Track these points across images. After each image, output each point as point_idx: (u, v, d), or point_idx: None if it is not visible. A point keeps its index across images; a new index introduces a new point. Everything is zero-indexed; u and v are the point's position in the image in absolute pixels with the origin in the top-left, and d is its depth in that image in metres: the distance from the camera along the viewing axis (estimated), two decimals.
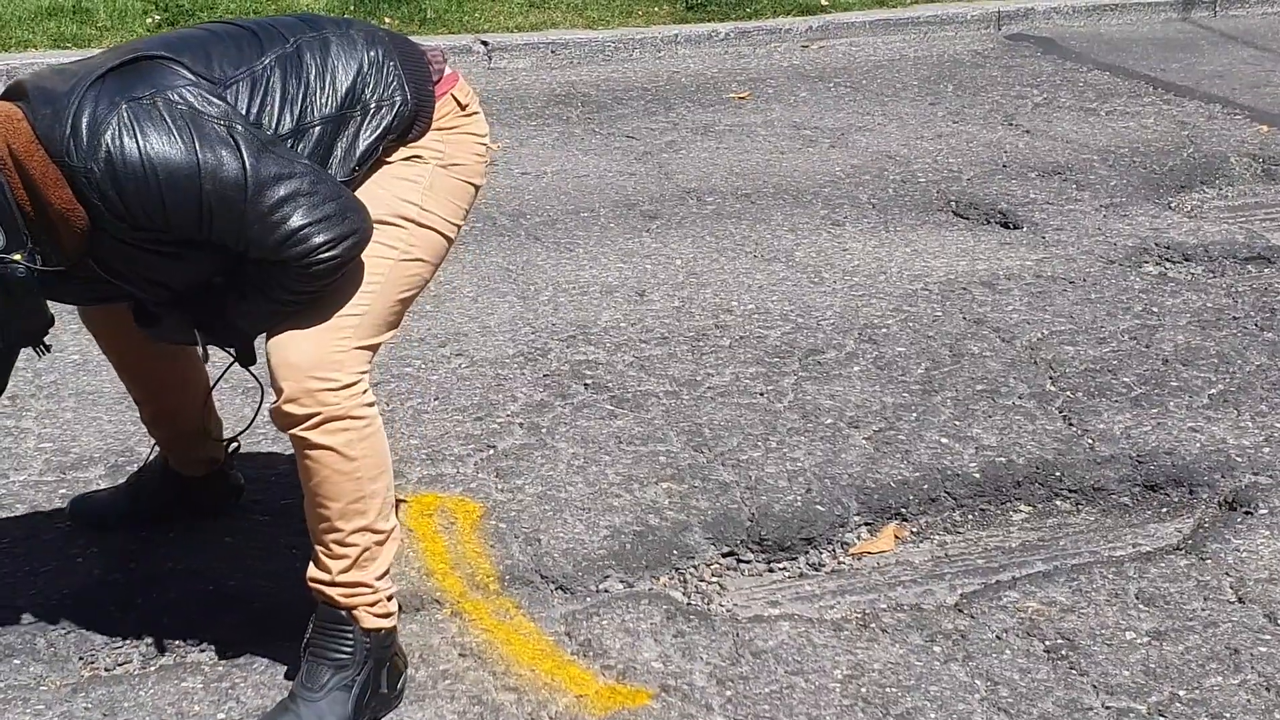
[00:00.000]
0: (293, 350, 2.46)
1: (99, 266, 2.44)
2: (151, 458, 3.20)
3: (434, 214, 2.62)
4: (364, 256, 2.52)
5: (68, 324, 4.18)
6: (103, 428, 3.61)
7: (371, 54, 2.56)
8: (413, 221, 2.59)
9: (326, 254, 2.38)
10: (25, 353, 3.96)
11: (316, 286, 2.43)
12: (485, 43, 7.59)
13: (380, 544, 2.60)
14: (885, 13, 8.39)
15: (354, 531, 2.56)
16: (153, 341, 2.80)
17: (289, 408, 2.46)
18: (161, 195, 2.30)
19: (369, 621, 2.60)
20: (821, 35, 8.13)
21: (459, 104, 2.69)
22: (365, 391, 2.53)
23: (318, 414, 2.46)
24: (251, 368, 2.71)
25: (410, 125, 2.60)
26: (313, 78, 2.49)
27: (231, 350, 2.69)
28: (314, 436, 2.47)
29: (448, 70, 2.71)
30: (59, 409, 3.71)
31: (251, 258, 2.41)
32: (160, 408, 3.07)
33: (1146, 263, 4.85)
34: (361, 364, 2.52)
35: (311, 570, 2.61)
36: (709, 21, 8.15)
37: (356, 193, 2.53)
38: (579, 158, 5.97)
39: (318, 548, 2.59)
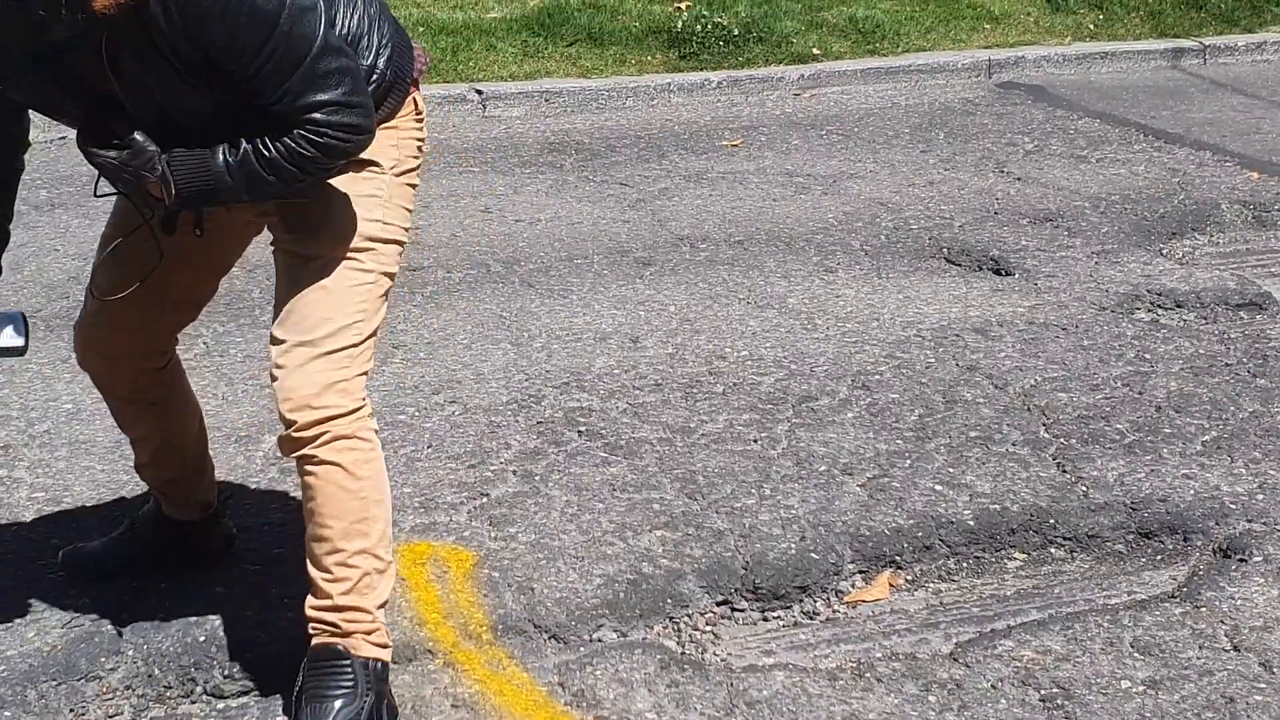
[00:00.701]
0: (302, 383, 2.54)
1: (106, 52, 2.36)
2: (145, 507, 3.20)
3: (394, 225, 2.69)
4: (347, 285, 2.59)
5: (61, 373, 4.18)
6: (95, 477, 3.60)
7: (382, 25, 2.62)
8: (379, 240, 2.65)
9: (342, 135, 2.43)
10: (20, 401, 3.97)
11: (308, 166, 2.44)
12: (479, 91, 7.62)
13: (380, 572, 2.65)
14: (876, 61, 8.44)
15: (357, 553, 2.61)
16: (157, 368, 2.90)
17: (300, 434, 2.55)
18: (235, 29, 2.31)
19: (366, 650, 2.63)
20: (813, 83, 8.17)
21: (417, 108, 2.75)
22: (370, 415, 2.63)
23: (326, 433, 2.55)
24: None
25: (379, 103, 2.63)
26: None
27: (159, 212, 2.61)
28: (322, 453, 2.56)
29: (423, 68, 2.79)
30: (52, 458, 3.70)
31: (272, 109, 2.40)
32: (163, 445, 3.05)
33: (1139, 309, 4.87)
34: (363, 389, 2.62)
35: (311, 600, 2.64)
36: (701, 70, 8.19)
37: (323, 202, 2.60)
38: (573, 205, 5.99)
39: (318, 574, 2.62)
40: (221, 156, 2.45)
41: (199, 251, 2.80)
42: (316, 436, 2.55)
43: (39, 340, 4.42)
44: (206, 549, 3.21)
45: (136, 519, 3.21)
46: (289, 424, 2.56)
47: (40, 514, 3.43)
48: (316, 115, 2.40)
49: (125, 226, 2.76)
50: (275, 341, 2.62)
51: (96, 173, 2.56)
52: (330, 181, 2.61)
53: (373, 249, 2.64)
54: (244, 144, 2.43)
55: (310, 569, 2.65)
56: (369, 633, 2.64)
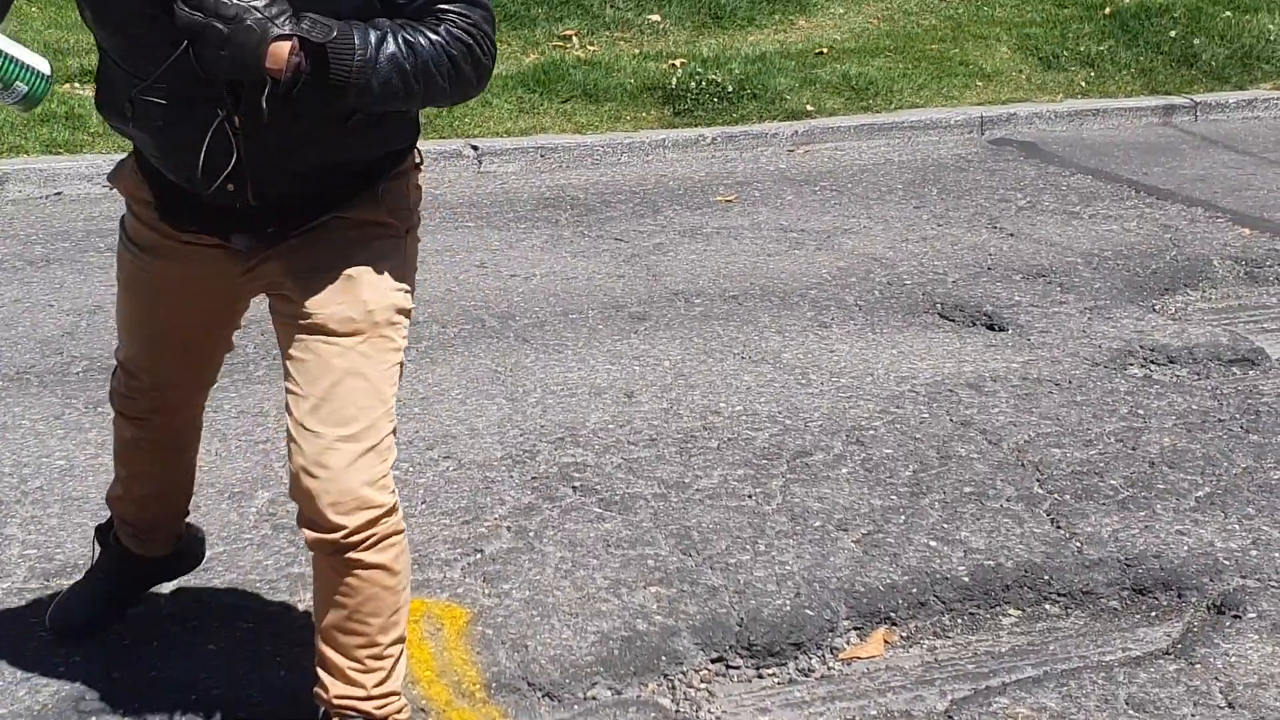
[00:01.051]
0: (352, 484, 2.42)
1: None
2: (102, 553, 3.13)
3: (412, 293, 2.60)
4: (384, 369, 2.49)
5: (54, 429, 4.18)
6: (87, 534, 3.58)
7: None
8: (404, 310, 2.55)
9: (485, 45, 2.31)
10: (12, 458, 3.96)
11: (445, 68, 2.28)
12: (475, 147, 7.66)
13: (404, 651, 2.65)
14: (869, 117, 8.49)
15: (391, 643, 2.59)
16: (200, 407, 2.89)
17: (349, 539, 2.44)
18: None
19: None
20: (807, 139, 8.22)
21: (418, 157, 2.65)
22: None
23: (374, 534, 2.46)
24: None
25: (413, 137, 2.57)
26: None
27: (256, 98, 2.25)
28: (368, 556, 2.47)
29: None
30: (44, 515, 3.69)
31: None
32: (168, 487, 3.01)
33: (1131, 365, 4.88)
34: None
35: (337, 687, 2.58)
36: (696, 126, 8.23)
37: (348, 270, 2.50)
38: (568, 260, 6.01)
39: (348, 663, 2.57)
40: (361, 30, 2.22)
41: (212, 302, 2.70)
42: (364, 540, 2.45)
43: (31, 396, 4.43)
44: (190, 562, 3.22)
45: (99, 569, 3.14)
46: (336, 528, 2.42)
47: (32, 571, 3.41)
48: (470, 15, 2.29)
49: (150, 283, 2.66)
50: (305, 429, 2.44)
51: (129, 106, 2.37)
52: (353, 246, 2.48)
53: (400, 323, 2.52)
54: (385, 24, 2.25)
55: (333, 654, 2.57)
56: (399, 710, 2.64)
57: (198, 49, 2.17)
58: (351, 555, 2.46)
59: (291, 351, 2.50)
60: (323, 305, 2.47)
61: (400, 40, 2.24)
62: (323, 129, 2.36)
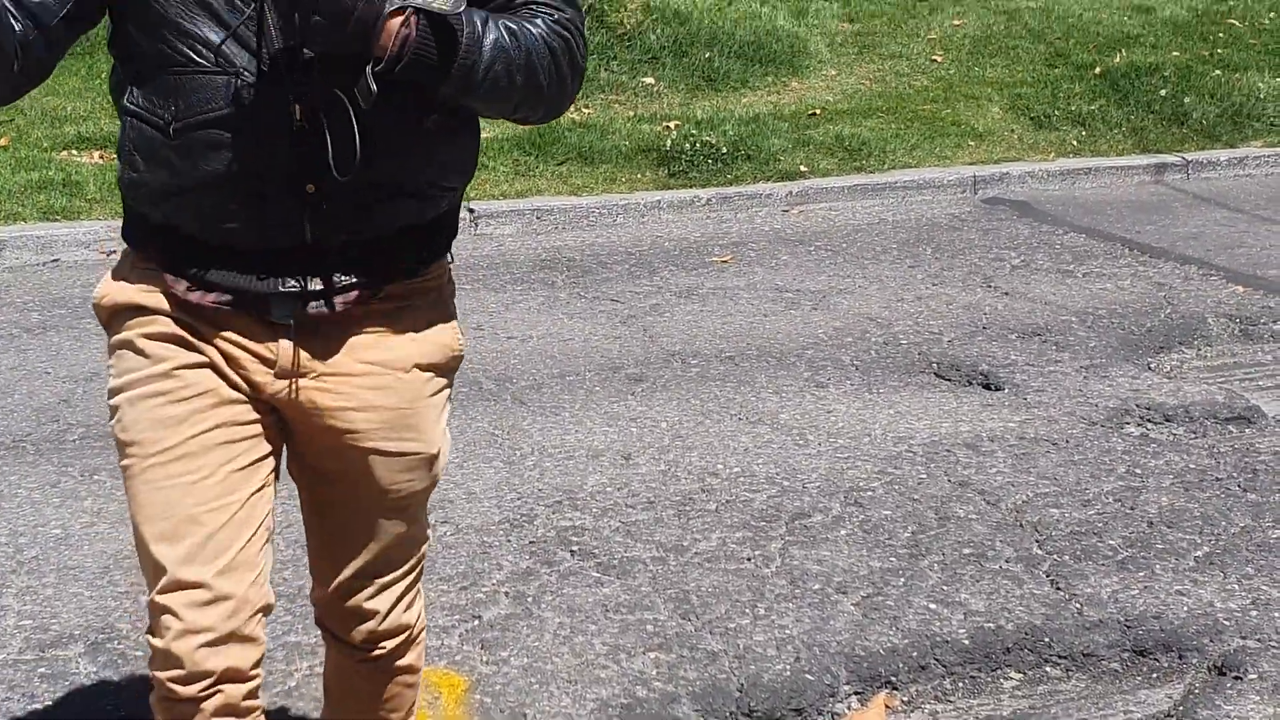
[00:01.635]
0: (396, 618, 2.40)
1: None
2: None
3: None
4: (427, 502, 2.37)
5: (49, 498, 4.17)
6: (84, 604, 3.58)
7: None
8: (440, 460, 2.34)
9: (582, 43, 2.11)
10: (8, 527, 3.95)
11: (547, 66, 2.05)
12: (471, 210, 7.69)
13: None
14: (863, 178, 8.53)
15: None
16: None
17: (382, 654, 2.43)
18: None
19: None
20: (801, 200, 8.26)
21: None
22: None
23: (403, 640, 2.46)
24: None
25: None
26: None
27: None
28: (399, 661, 2.48)
29: None
30: (39, 585, 3.68)
31: None
32: None
33: (1128, 424, 4.88)
34: None
35: None
36: (690, 187, 8.27)
37: (422, 447, 2.27)
38: (564, 322, 6.02)
39: None
40: (465, 10, 1.97)
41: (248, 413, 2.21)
42: (395, 649, 2.44)
43: (28, 464, 4.42)
44: None
45: None
46: (374, 650, 2.41)
47: (27, 642, 3.39)
48: (566, 11, 2.10)
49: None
50: (355, 581, 2.32)
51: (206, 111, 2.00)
52: (426, 398, 2.24)
53: (437, 479, 2.36)
54: (482, 12, 2.02)
55: None
56: None
57: (323, 7, 1.87)
58: (384, 662, 2.46)
59: (342, 520, 2.30)
60: (396, 484, 2.26)
61: (503, 27, 2.02)
62: (401, 128, 2.06)
